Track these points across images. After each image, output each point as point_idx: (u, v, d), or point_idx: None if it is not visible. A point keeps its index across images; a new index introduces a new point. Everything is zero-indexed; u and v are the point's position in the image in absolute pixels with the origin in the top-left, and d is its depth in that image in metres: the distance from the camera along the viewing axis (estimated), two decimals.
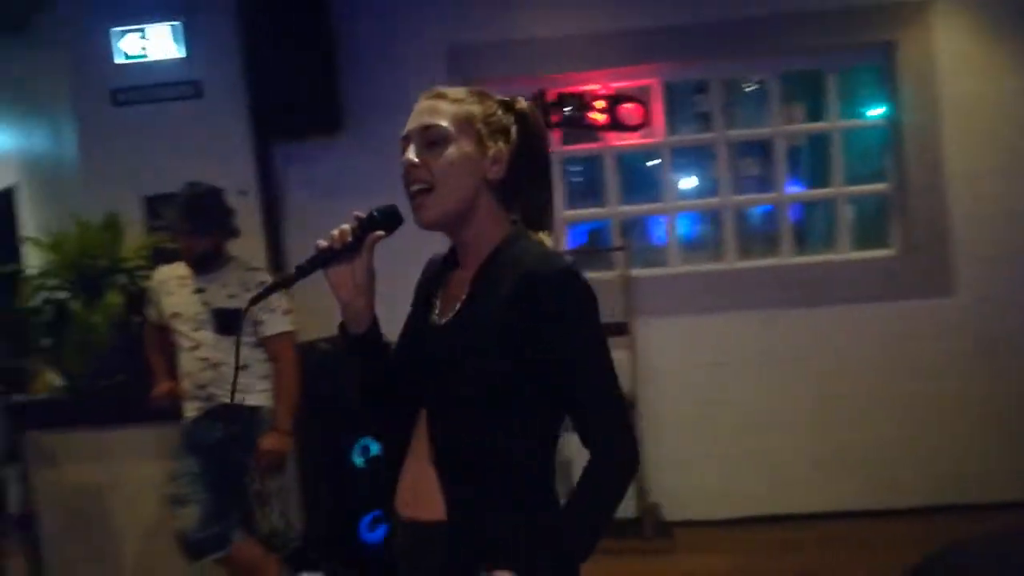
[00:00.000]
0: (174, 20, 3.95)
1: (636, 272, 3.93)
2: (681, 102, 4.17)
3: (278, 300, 2.97)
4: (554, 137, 4.06)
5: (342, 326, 1.32)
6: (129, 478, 3.24)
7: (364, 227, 1.24)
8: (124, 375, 3.26)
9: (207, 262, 2.97)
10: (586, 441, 1.23)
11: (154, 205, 3.75)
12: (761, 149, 4.07)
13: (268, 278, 3.04)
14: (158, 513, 3.06)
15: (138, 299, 3.25)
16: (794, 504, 3.77)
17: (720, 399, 3.87)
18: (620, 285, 3.81)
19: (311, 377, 3.10)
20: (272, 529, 2.97)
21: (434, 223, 1.28)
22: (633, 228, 4.27)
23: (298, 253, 3.87)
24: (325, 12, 3.82)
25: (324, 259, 1.23)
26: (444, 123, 1.26)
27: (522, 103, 1.37)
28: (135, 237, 3.70)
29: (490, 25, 3.94)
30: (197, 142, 3.96)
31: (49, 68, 4.34)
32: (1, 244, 5.16)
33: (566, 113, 3.91)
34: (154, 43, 3.98)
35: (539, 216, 1.36)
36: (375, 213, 1.25)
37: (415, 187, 1.26)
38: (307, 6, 3.77)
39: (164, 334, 3.07)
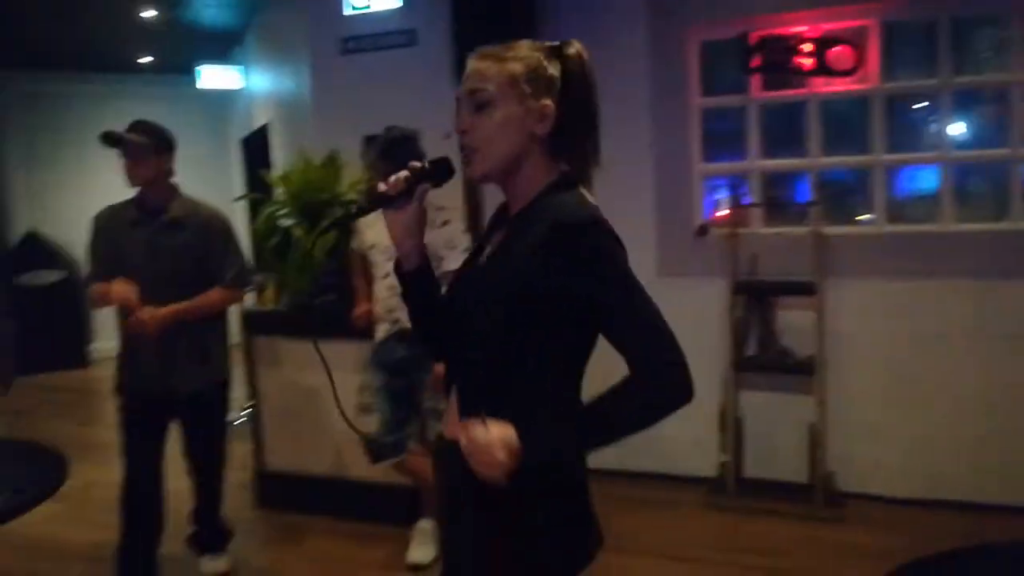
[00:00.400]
0: None
1: (831, 229, 3.70)
2: (901, 44, 3.76)
3: (460, 239, 3.21)
4: (754, 82, 3.89)
5: (397, 262, 1.44)
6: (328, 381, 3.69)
7: (417, 178, 1.35)
8: (334, 296, 3.71)
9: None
10: (631, 371, 1.26)
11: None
12: (995, 99, 3.59)
13: (452, 216, 3.29)
14: (353, 417, 3.47)
15: (350, 230, 3.63)
16: (984, 493, 3.43)
17: (915, 372, 3.58)
18: (812, 243, 3.61)
19: None
20: None
21: (479, 180, 1.37)
22: (835, 182, 4.00)
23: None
24: None
25: (380, 202, 1.35)
26: (489, 86, 1.32)
27: (571, 48, 1.38)
28: (356, 173, 4.11)
29: None
30: (411, 86, 4.28)
31: (296, 19, 4.89)
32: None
33: (768, 57, 3.73)
34: None
35: (583, 165, 1.38)
36: (426, 166, 1.36)
37: (464, 150, 1.35)
38: None
39: (366, 262, 3.44)
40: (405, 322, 3.19)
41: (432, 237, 3.13)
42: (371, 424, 3.20)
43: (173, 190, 2.96)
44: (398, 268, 1.46)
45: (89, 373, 7.43)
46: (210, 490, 3.15)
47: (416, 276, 1.44)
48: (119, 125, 2.87)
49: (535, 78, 1.33)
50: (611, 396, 1.25)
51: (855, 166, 3.86)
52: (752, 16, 3.76)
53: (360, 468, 3.45)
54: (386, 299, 3.24)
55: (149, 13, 5.97)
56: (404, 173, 1.35)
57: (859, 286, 3.65)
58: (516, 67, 1.33)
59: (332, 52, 4.50)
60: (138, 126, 2.88)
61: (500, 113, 1.32)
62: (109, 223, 2.98)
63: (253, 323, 3.89)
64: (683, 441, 3.78)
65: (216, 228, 2.97)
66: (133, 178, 2.86)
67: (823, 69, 3.68)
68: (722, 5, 3.84)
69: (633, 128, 3.91)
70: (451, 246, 3.16)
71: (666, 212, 4.00)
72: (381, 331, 3.27)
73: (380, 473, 3.39)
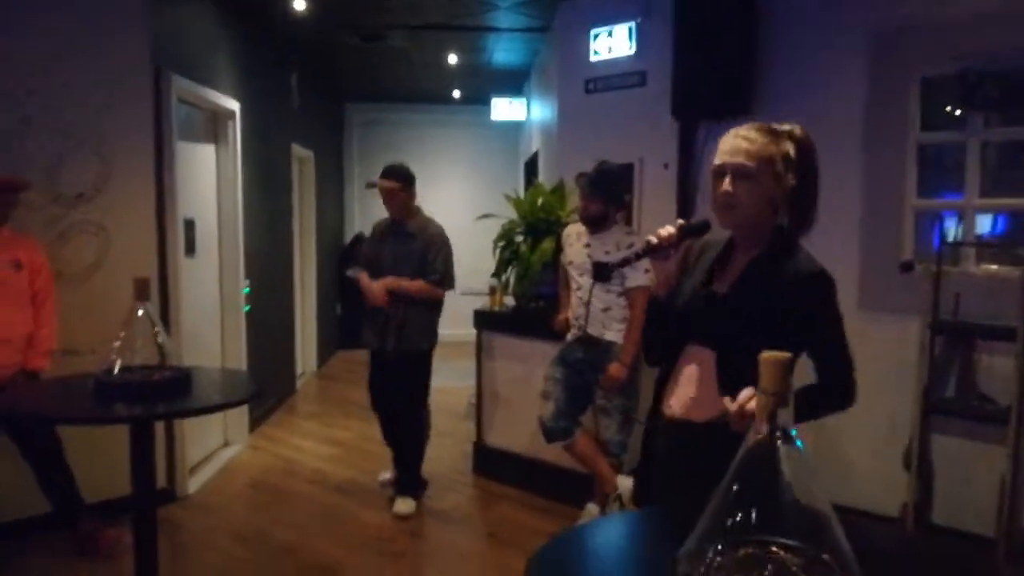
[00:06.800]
0: (631, 22, 4.80)
1: None
2: None
3: (643, 261, 3.65)
4: (977, 119, 3.75)
5: (653, 294, 1.89)
6: (534, 374, 4.30)
7: (684, 233, 1.73)
8: (544, 302, 4.35)
9: (596, 223, 3.76)
10: (823, 382, 1.71)
11: None
12: None
13: (637, 242, 3.73)
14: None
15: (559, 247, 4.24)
16: None
17: None
18: (1022, 286, 3.41)
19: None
20: (608, 438, 3.73)
21: (731, 228, 1.81)
22: None
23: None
24: (748, 12, 4.20)
25: (653, 251, 1.74)
26: (751, 163, 1.70)
27: (797, 131, 1.77)
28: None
29: (914, 2, 3.80)
30: (639, 122, 4.77)
31: (556, 62, 5.64)
32: None
33: (989, 95, 3.60)
34: (616, 42, 4.89)
35: (804, 218, 1.77)
36: (694, 224, 1.77)
37: (725, 205, 1.74)
38: (734, 7, 4.20)
39: (567, 275, 4.01)
40: (587, 329, 3.72)
41: (617, 257, 3.64)
42: (546, 409, 3.78)
43: (415, 211, 4.04)
44: (654, 297, 1.90)
45: None
46: (406, 437, 4.15)
47: (666, 301, 1.88)
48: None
49: (786, 160, 1.73)
50: (811, 389, 1.69)
51: None
52: (976, 55, 3.65)
53: (550, 452, 4.03)
54: (575, 308, 3.79)
55: (453, 59, 7.18)
56: (671, 229, 1.74)
57: None
58: (773, 149, 1.72)
59: (577, 91, 5.15)
60: (390, 171, 3.97)
61: (758, 186, 1.72)
62: (376, 231, 4.25)
63: (481, 320, 4.69)
64: (875, 477, 3.79)
65: (436, 242, 4.03)
66: (389, 209, 4.03)
67: None
68: (945, 44, 3.77)
69: (844, 160, 4.00)
70: (634, 266, 3.59)
71: (871, 246, 4.00)
72: (570, 335, 3.83)
73: (566, 459, 3.95)
